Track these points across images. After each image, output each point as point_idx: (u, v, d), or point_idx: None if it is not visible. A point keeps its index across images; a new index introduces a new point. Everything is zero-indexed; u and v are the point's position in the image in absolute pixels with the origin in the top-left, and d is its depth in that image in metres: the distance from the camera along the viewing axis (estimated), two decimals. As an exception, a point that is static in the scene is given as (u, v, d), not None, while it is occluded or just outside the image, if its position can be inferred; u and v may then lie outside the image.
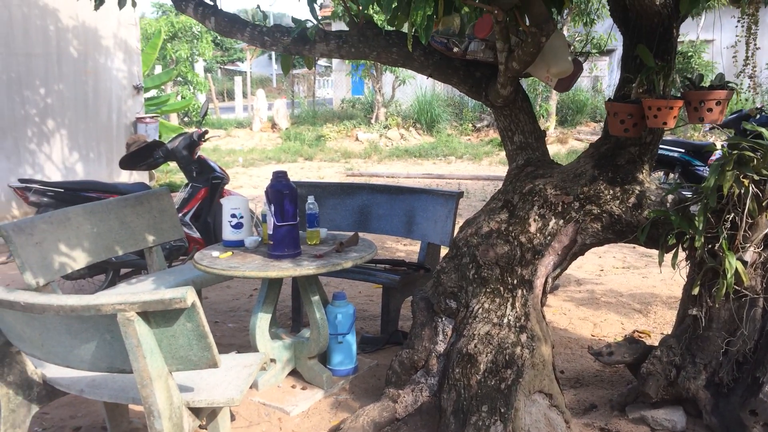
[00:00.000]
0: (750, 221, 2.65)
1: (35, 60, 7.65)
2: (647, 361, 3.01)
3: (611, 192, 2.98)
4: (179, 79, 17.40)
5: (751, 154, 2.59)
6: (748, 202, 2.56)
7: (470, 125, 17.25)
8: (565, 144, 14.94)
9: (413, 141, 16.23)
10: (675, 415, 3.01)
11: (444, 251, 3.70)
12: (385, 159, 14.43)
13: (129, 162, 5.34)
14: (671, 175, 7.63)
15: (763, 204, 2.60)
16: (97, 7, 3.66)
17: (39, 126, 7.74)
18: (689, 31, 15.09)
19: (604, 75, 19.02)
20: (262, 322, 3.39)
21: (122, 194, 4.59)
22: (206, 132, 5.49)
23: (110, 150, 8.47)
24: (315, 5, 3.09)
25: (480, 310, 2.99)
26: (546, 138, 3.27)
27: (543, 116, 16.14)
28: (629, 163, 3.02)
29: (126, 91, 8.67)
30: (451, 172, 12.39)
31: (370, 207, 4.49)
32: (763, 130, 2.59)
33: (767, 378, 2.71)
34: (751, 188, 2.55)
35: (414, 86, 17.06)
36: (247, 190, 10.12)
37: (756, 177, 2.55)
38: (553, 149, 13.90)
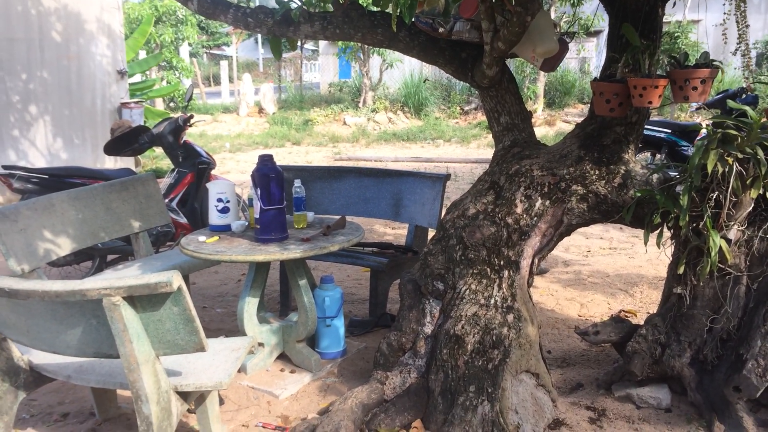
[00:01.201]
0: (734, 200, 2.67)
1: (17, 45, 7.54)
2: (633, 340, 3.04)
3: (597, 172, 2.99)
4: (164, 63, 17.22)
5: (735, 133, 2.60)
6: (731, 180, 2.57)
7: (458, 108, 17.22)
8: (553, 126, 14.96)
9: (401, 124, 16.18)
10: (660, 392, 3.05)
11: (432, 234, 3.70)
12: (373, 143, 14.39)
13: (114, 147, 5.29)
14: (658, 156, 7.67)
15: (747, 182, 2.62)
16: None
17: (22, 112, 7.64)
18: (676, 12, 15.11)
19: (591, 56, 19.01)
20: (249, 306, 3.39)
21: (108, 180, 4.55)
22: (192, 117, 5.44)
23: (95, 136, 8.38)
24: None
25: (467, 291, 3.00)
26: (534, 120, 3.28)
27: (531, 98, 16.13)
28: (615, 143, 3.03)
29: (110, 76, 8.57)
30: (440, 156, 12.38)
31: (357, 190, 4.48)
32: (747, 108, 2.60)
33: (750, 355, 2.74)
34: (735, 167, 2.57)
35: (401, 69, 16.99)
36: (234, 175, 10.07)
37: (740, 155, 2.57)
38: (541, 131, 13.91)
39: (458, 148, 13.53)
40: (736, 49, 3.14)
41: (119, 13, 8.72)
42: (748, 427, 2.75)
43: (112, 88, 8.58)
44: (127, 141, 5.26)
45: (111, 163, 8.36)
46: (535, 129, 3.46)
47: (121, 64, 8.75)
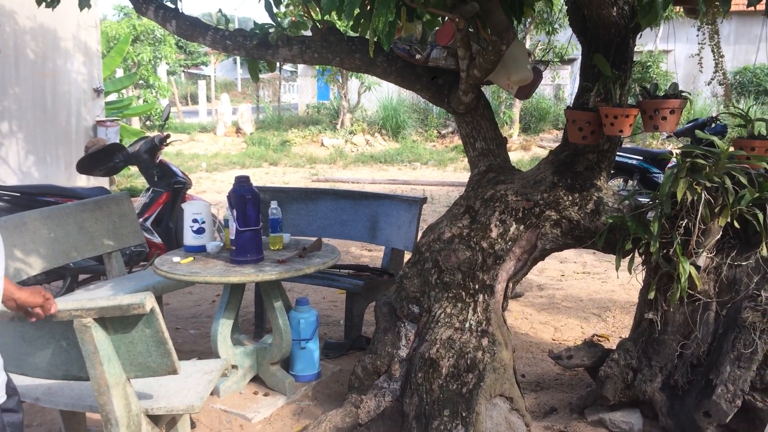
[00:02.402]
0: (703, 227, 2.72)
1: (-9, 61, 7.45)
2: (605, 365, 3.07)
3: (570, 198, 3.04)
4: (141, 82, 17.15)
5: (704, 162, 2.66)
6: (700, 208, 2.63)
7: (435, 131, 17.36)
8: (529, 151, 15.14)
9: (379, 147, 16.26)
10: (632, 417, 3.07)
11: (408, 256, 3.72)
12: (350, 164, 14.43)
13: (87, 165, 5.24)
14: (630, 182, 7.79)
15: (715, 210, 2.68)
16: (52, 6, 3.57)
17: (-6, 129, 7.54)
18: (648, 42, 15.47)
19: (566, 83, 19.34)
20: (223, 328, 3.36)
21: (81, 199, 4.50)
22: (168, 136, 5.42)
23: (69, 154, 8.29)
24: (275, 9, 3.08)
25: (442, 314, 3.02)
26: (509, 145, 3.33)
27: (507, 123, 16.33)
28: (587, 169, 3.09)
29: (86, 94, 8.51)
30: (416, 178, 12.45)
31: (333, 212, 4.49)
32: (714, 138, 2.67)
33: (720, 380, 2.78)
34: (703, 195, 2.63)
35: (379, 92, 17.11)
36: (210, 195, 10.01)
37: (708, 184, 2.63)
38: (517, 156, 14.08)
39: (435, 171, 13.62)
40: (712, 78, 3.24)
41: (96, 31, 8.68)
42: (717, 452, 2.78)
43: (87, 106, 8.51)
44: (102, 159, 5.22)
45: (85, 181, 8.27)
46: (510, 153, 3.51)
47: (98, 82, 8.69)
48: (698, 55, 3.09)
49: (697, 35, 2.97)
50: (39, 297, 2.01)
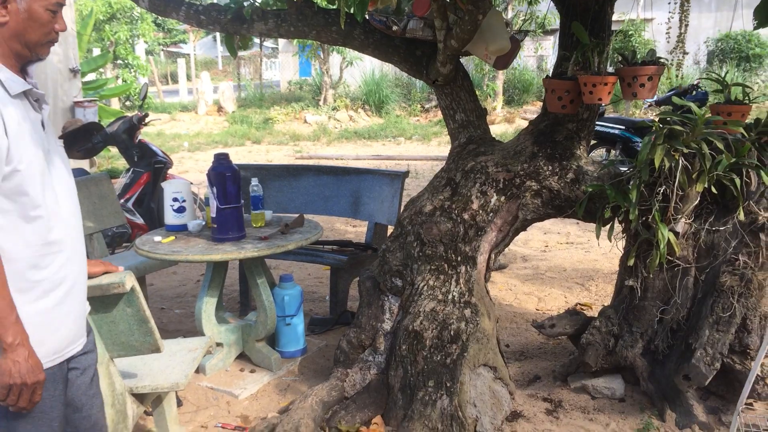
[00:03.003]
0: (681, 193, 2.74)
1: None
2: (587, 332, 3.11)
3: (550, 168, 3.05)
4: (119, 62, 16.89)
5: (681, 129, 2.67)
6: (678, 175, 2.65)
7: (419, 106, 17.29)
8: (512, 123, 15.13)
9: (362, 122, 16.18)
10: (614, 382, 3.12)
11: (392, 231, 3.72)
12: (334, 141, 14.36)
13: (65, 146, 5.17)
14: (613, 152, 7.83)
15: (693, 176, 2.70)
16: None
17: (-30, 112, 7.41)
18: (629, 10, 15.42)
19: (549, 54, 19.29)
20: (207, 306, 3.36)
21: (60, 180, 4.45)
22: (146, 115, 5.36)
23: (48, 136, 8.17)
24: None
25: (425, 287, 3.03)
26: (493, 117, 3.32)
27: (490, 96, 16.28)
28: (567, 139, 3.09)
29: (62, 74, 8.36)
30: (401, 153, 12.42)
31: (316, 188, 4.47)
32: (692, 104, 2.68)
33: (699, 344, 2.83)
34: (681, 161, 2.64)
35: (362, 67, 16.98)
36: (193, 174, 9.94)
37: (685, 150, 2.64)
38: (500, 129, 14.07)
39: (419, 146, 13.59)
40: (674, 48, 3.24)
41: (70, 10, 8.52)
42: (698, 415, 2.84)
43: (64, 87, 8.37)
44: (80, 139, 5.16)
45: (65, 163, 8.16)
46: (494, 126, 3.51)
47: (74, 62, 8.54)
48: (667, 24, 3.08)
49: (669, 2, 2.96)
50: (101, 266, 2.05)
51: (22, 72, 1.71)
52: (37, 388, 1.62)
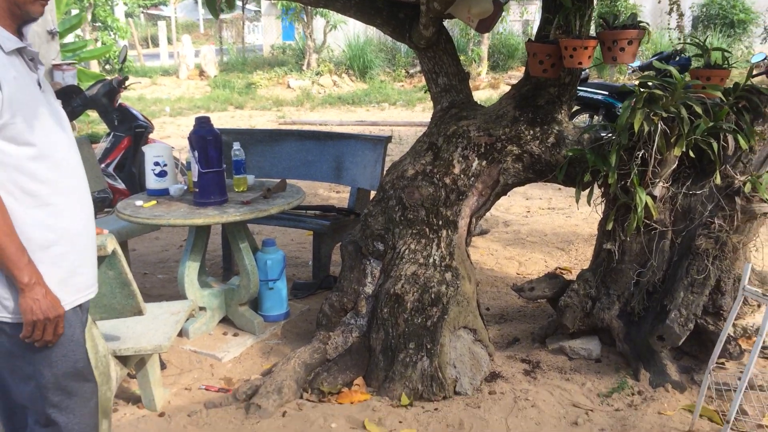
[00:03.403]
0: (659, 157, 2.77)
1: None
2: (565, 295, 3.16)
3: (531, 132, 3.06)
4: (99, 24, 16.54)
5: (661, 93, 2.69)
6: (656, 138, 2.67)
7: (403, 71, 17.16)
8: (497, 89, 15.08)
9: (346, 88, 16.05)
10: (591, 344, 3.19)
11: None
12: (317, 107, 14.25)
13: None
14: (596, 117, 7.85)
15: (671, 141, 2.72)
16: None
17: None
18: (616, -25, 15.30)
19: (534, 19, 19.15)
20: (190, 270, 3.37)
21: (38, 145, 4.40)
22: (126, 78, 5.29)
23: (26, 100, 8.04)
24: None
25: (406, 251, 3.06)
26: (478, 83, 3.31)
27: (475, 61, 16.19)
28: (548, 103, 3.10)
29: (40, 37, 8.19)
30: (385, 119, 12.36)
31: (298, 153, 4.46)
32: (671, 68, 2.69)
33: (673, 305, 2.89)
34: (660, 125, 2.67)
35: (346, 31, 16.77)
36: (174, 140, 9.84)
37: (664, 114, 2.66)
38: (485, 94, 14.02)
39: (403, 112, 13.53)
40: (670, 11, 3.24)
41: (47, -30, 8.31)
42: (671, 374, 2.92)
43: (42, 50, 8.21)
44: (59, 102, 5.08)
45: (44, 128, 8.05)
46: (479, 92, 3.52)
47: (51, 24, 8.36)
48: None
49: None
50: None
51: (19, 33, 1.75)
52: (59, 322, 1.74)
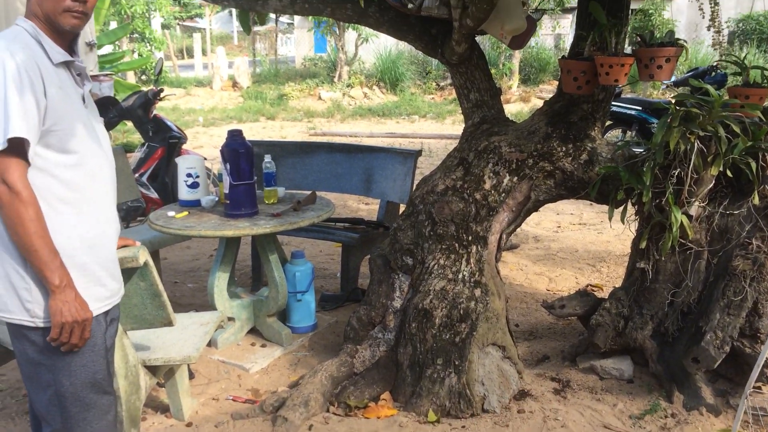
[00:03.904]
0: (695, 176, 2.72)
1: (-20, 15, 7.33)
2: (597, 313, 3.11)
3: (564, 149, 3.03)
4: (135, 35, 16.89)
5: (698, 111, 2.64)
6: (693, 157, 2.63)
7: (434, 84, 17.17)
8: (528, 102, 15.00)
9: (376, 100, 16.11)
10: (623, 364, 3.13)
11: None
12: (348, 118, 14.32)
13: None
14: (629, 133, 7.75)
15: (708, 160, 2.67)
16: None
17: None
18: (651, -11, 15.16)
19: (567, 33, 19.03)
20: (220, 281, 3.40)
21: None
22: (162, 90, 5.38)
23: (64, 109, 8.22)
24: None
25: (435, 266, 3.04)
26: (509, 96, 3.30)
27: (506, 74, 16.13)
28: (582, 120, 3.07)
29: (79, 49, 8.40)
30: (414, 131, 12.37)
31: (328, 166, 4.48)
32: (708, 87, 2.64)
33: (709, 327, 2.82)
34: (696, 144, 2.62)
35: (377, 44, 16.86)
36: (207, 150, 9.97)
37: (701, 133, 2.62)
38: (516, 108, 13.95)
39: (433, 124, 13.53)
40: (709, 26, 3.19)
41: (87, -17, 8.51)
42: (706, 397, 2.85)
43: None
44: (96, 114, 5.18)
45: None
46: (509, 105, 3.50)
47: (90, 36, 8.55)
48: (698, 1, 3.03)
49: (695, -19, 2.91)
50: (119, 240, 2.12)
51: (70, 50, 1.83)
52: (86, 325, 1.76)
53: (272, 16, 3.80)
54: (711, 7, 2.83)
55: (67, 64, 1.79)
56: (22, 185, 1.64)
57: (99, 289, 1.85)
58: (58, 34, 1.78)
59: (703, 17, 3.18)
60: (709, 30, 3.22)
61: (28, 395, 1.88)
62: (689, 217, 2.82)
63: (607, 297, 3.20)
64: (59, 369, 1.79)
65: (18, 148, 1.63)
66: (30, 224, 1.65)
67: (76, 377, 1.81)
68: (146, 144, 5.32)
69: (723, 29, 3.25)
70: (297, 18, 21.74)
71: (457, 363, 2.84)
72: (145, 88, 5.72)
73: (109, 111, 5.21)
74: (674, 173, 2.73)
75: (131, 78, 14.91)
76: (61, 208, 1.75)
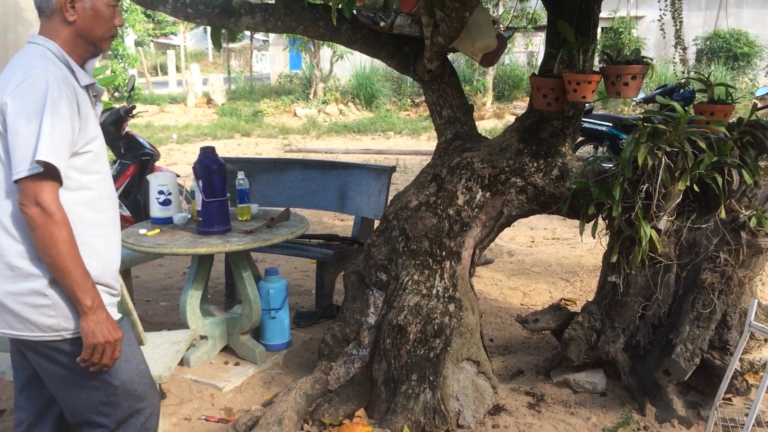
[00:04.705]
0: (663, 191, 2.77)
1: (-51, 31, 7.24)
2: (570, 327, 3.14)
3: (535, 164, 3.07)
4: (109, 53, 16.76)
5: (664, 127, 2.70)
6: (660, 172, 2.67)
7: (409, 100, 17.29)
8: (502, 119, 15.16)
9: (352, 116, 16.16)
10: (596, 377, 3.15)
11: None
12: (323, 135, 14.34)
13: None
14: (600, 149, 7.86)
15: (675, 175, 2.72)
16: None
17: (-45, 101, 7.35)
18: (621, 8, 15.48)
19: (539, 50, 19.32)
20: (192, 299, 3.36)
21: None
22: (134, 107, 5.34)
23: (34, 126, 8.12)
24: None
25: (409, 281, 3.04)
26: (483, 112, 3.34)
27: (480, 91, 16.30)
28: (552, 136, 3.11)
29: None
30: (390, 148, 12.42)
31: (303, 182, 4.47)
32: (675, 103, 2.70)
33: (679, 339, 2.86)
34: (663, 159, 2.67)
35: (352, 61, 16.95)
36: (181, 167, 9.90)
37: (668, 149, 2.67)
38: (490, 124, 14.09)
39: (409, 140, 13.60)
40: (675, 44, 3.26)
41: None
42: (677, 409, 2.88)
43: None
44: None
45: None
46: (484, 122, 3.53)
47: (62, 52, 8.50)
48: (660, 21, 3.11)
49: (659, 0, 2.98)
50: None
51: (83, 68, 1.86)
52: (117, 345, 1.78)
53: (247, 32, 3.81)
54: (674, 26, 2.90)
55: (86, 86, 1.84)
56: (55, 207, 1.66)
57: (115, 299, 1.91)
58: (79, 57, 1.82)
59: (664, 37, 3.24)
60: (675, 48, 3.29)
61: (63, 408, 1.91)
62: (658, 231, 2.87)
63: (580, 311, 3.23)
64: (104, 370, 1.81)
65: (50, 169, 1.65)
66: (63, 245, 1.66)
67: (122, 373, 1.85)
68: (118, 161, 5.27)
69: (688, 47, 3.33)
70: (272, 35, 21.79)
71: (431, 378, 2.83)
72: (117, 105, 5.67)
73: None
74: (643, 188, 2.78)
75: (104, 95, 14.77)
76: (92, 230, 1.79)
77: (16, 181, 1.65)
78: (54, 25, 1.78)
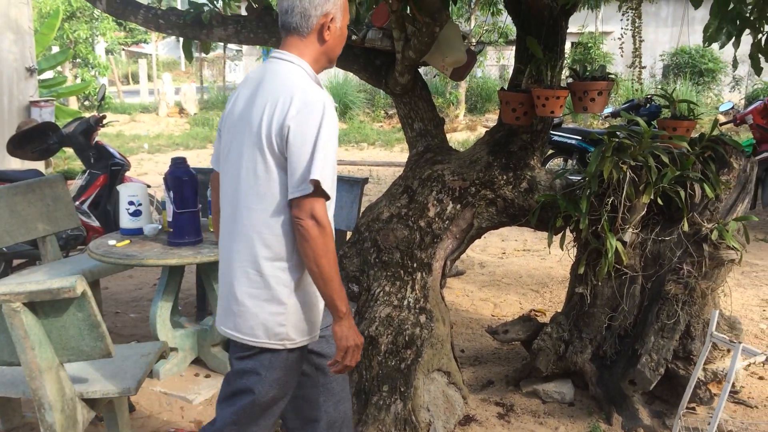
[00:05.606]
0: (628, 204, 2.84)
1: None
2: (538, 338, 3.18)
3: (504, 177, 3.12)
4: (79, 61, 16.57)
5: (629, 142, 2.77)
6: (625, 186, 2.74)
7: (383, 112, 17.36)
8: (474, 131, 15.28)
9: (325, 127, 16.13)
10: (564, 387, 3.20)
11: (348, 237, 3.74)
12: (296, 145, 14.29)
13: (19, 145, 5.06)
14: (570, 162, 7.99)
15: (640, 188, 2.79)
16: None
17: None
18: (590, 23, 15.77)
19: (510, 64, 19.56)
20: (162, 310, 3.34)
21: (12, 182, 4.36)
22: (104, 117, 5.28)
23: (1, 135, 7.99)
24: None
25: (381, 293, 3.06)
26: (455, 125, 3.38)
27: (453, 103, 16.44)
28: (521, 149, 3.16)
29: (18, 73, 8.19)
30: (363, 159, 12.44)
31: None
32: (639, 119, 2.78)
33: (644, 350, 2.92)
34: (628, 173, 2.74)
35: (326, 72, 16.95)
36: (152, 177, 9.80)
37: (633, 163, 2.74)
38: (463, 136, 14.20)
39: (382, 152, 13.64)
40: (632, 63, 3.35)
41: (28, 8, 8.35)
42: (643, 418, 2.93)
43: (20, 86, 8.19)
44: (35, 140, 5.04)
45: (19, 164, 7.98)
46: (456, 134, 3.58)
47: (30, 61, 8.37)
48: (620, 39, 3.20)
49: (621, 19, 3.07)
50: None
51: None
52: (360, 349, 1.92)
53: (220, 43, 3.82)
54: (634, 45, 2.99)
55: None
56: (326, 220, 1.80)
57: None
58: (316, 72, 1.92)
59: (622, 56, 3.34)
60: (632, 67, 3.38)
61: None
62: (623, 243, 2.93)
63: (548, 322, 3.28)
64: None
65: (320, 186, 1.76)
66: (332, 256, 1.81)
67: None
68: (88, 171, 5.20)
69: (655, 62, 3.42)
70: (245, 45, 21.73)
71: (402, 389, 2.85)
72: (87, 115, 5.61)
73: (50, 137, 5.07)
74: (608, 201, 2.84)
75: (74, 104, 14.60)
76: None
77: (293, 199, 1.78)
78: (308, 44, 1.88)
